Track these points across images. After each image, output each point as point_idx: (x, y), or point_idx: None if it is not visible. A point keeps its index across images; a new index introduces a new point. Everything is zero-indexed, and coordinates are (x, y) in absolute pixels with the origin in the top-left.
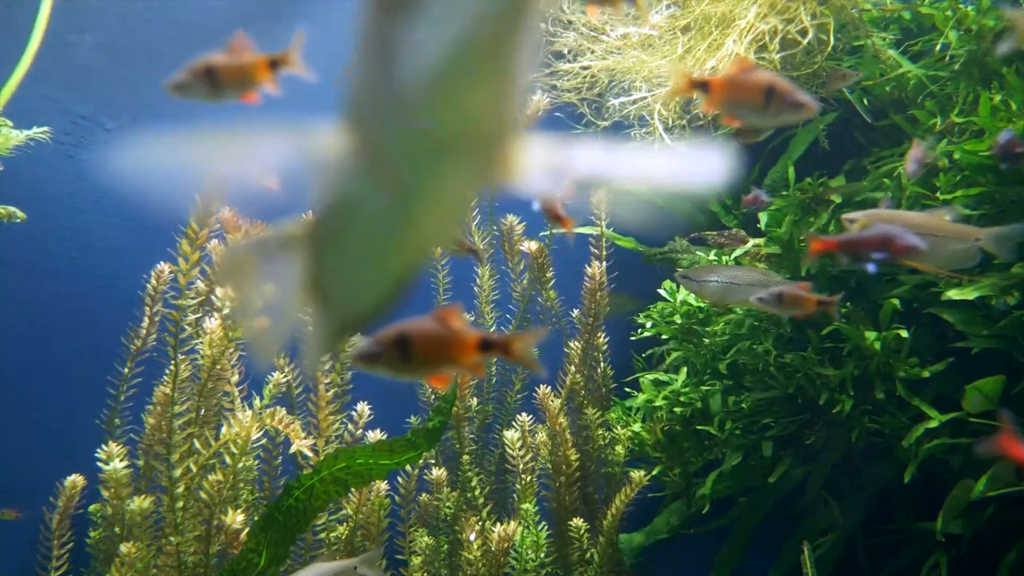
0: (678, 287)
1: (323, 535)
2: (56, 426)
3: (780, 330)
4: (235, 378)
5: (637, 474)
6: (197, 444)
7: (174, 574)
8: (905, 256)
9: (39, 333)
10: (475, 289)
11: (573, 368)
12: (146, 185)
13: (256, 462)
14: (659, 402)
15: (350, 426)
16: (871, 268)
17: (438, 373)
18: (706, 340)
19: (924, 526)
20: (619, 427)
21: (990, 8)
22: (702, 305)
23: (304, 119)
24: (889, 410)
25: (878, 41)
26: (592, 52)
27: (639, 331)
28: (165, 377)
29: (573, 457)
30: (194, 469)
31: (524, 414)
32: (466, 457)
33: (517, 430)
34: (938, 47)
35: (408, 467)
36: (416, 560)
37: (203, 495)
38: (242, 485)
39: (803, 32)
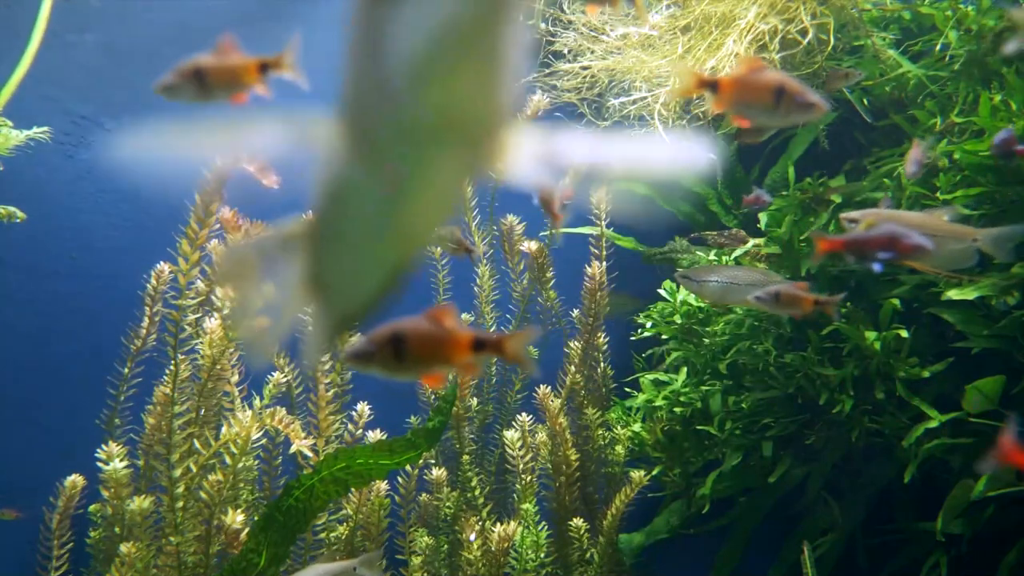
0: (678, 287)
1: (323, 535)
2: (56, 426)
3: (780, 330)
4: (235, 378)
5: (637, 474)
6: (197, 444)
7: (174, 574)
8: (912, 256)
9: (39, 333)
10: (475, 289)
11: (573, 368)
12: (146, 174)
13: (256, 462)
14: (659, 402)
15: (350, 426)
16: (877, 268)
17: (432, 372)
18: (706, 340)
19: (924, 526)
20: (619, 427)
21: (990, 8)
22: (702, 305)
23: (304, 110)
24: (889, 410)
25: (878, 41)
26: (592, 52)
27: (639, 331)
28: (165, 377)
29: (573, 457)
30: (194, 469)
31: (524, 414)
32: (466, 457)
33: (517, 430)
34: (938, 47)
35: (408, 467)
36: (416, 560)
37: (203, 495)
38: (242, 485)
39: (803, 32)
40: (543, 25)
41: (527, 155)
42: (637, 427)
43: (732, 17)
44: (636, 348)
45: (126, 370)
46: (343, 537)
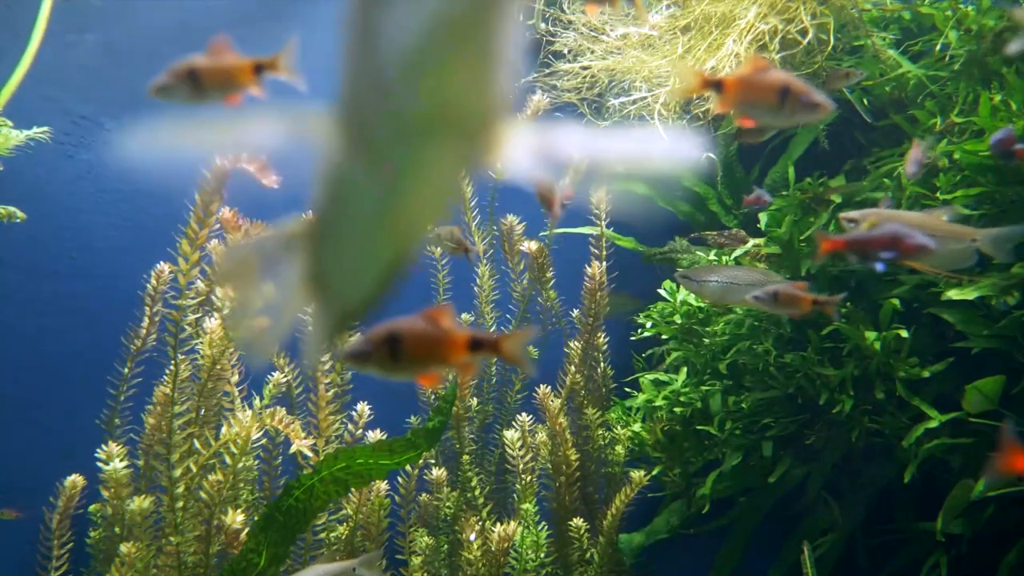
0: (678, 287)
1: (323, 535)
2: (56, 426)
3: (780, 330)
4: (235, 378)
5: (637, 474)
6: (197, 444)
7: (174, 574)
8: (914, 256)
9: (39, 333)
10: (475, 289)
11: (573, 368)
12: (147, 171)
13: (256, 462)
14: (659, 402)
15: (350, 426)
16: (879, 267)
17: (428, 372)
18: (706, 340)
19: (924, 526)
20: (619, 427)
21: (990, 8)
22: (702, 305)
23: (302, 105)
24: (889, 410)
25: (878, 41)
26: (592, 52)
27: (639, 331)
28: (165, 377)
29: (573, 457)
30: (194, 469)
31: (524, 414)
32: (466, 457)
33: (517, 430)
34: (938, 47)
35: (408, 467)
36: (416, 560)
37: (203, 495)
38: (242, 485)
39: (803, 32)
40: (543, 25)
41: (524, 149)
42: (637, 427)
43: (732, 17)
44: (636, 348)
45: (126, 370)
46: (343, 537)
